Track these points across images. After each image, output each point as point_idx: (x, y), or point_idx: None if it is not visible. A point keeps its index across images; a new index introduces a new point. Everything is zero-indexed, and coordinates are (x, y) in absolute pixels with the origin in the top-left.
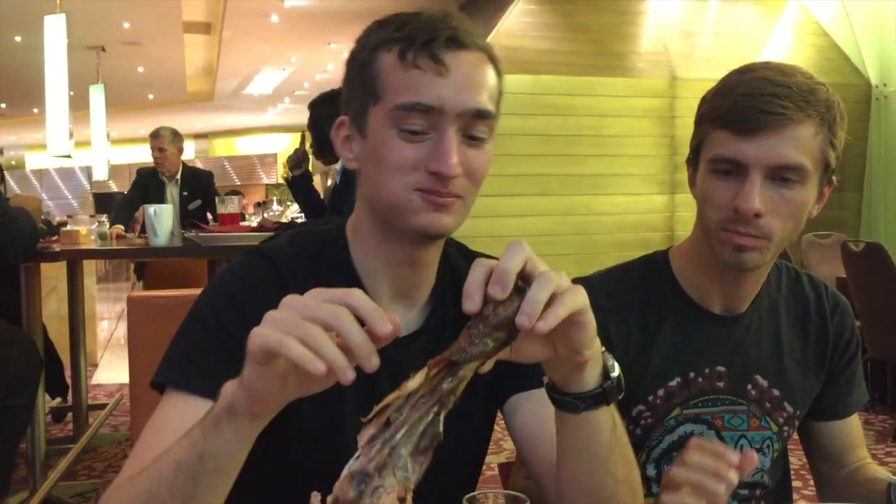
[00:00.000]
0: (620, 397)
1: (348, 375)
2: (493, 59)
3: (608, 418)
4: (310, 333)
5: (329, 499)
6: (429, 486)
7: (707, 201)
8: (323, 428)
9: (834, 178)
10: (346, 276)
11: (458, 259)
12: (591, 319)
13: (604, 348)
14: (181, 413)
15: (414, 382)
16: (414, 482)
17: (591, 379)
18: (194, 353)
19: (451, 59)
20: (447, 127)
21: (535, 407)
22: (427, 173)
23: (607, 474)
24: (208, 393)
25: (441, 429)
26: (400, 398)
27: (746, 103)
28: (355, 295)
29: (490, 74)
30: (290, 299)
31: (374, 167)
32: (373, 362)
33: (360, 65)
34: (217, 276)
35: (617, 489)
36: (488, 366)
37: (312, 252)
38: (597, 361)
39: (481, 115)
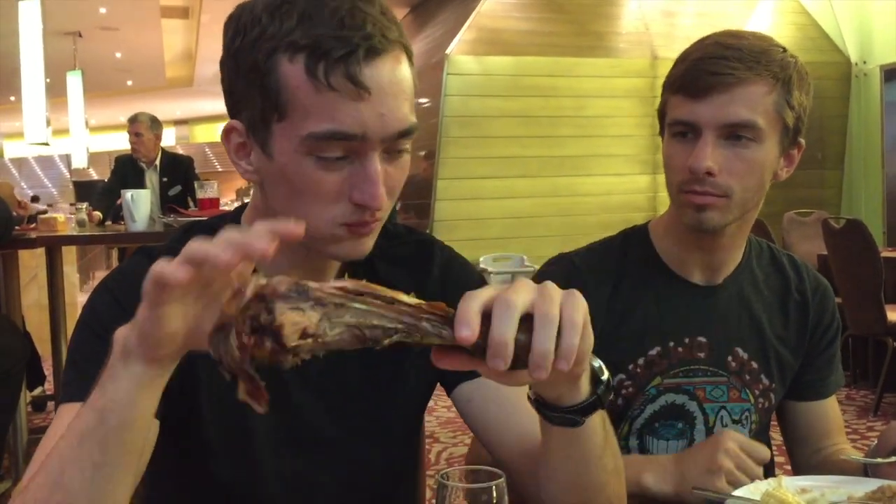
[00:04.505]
0: (611, 397)
1: (270, 248)
2: (406, 48)
3: (600, 419)
4: (206, 248)
5: (264, 280)
6: (363, 454)
7: (667, 164)
8: (229, 443)
9: (801, 139)
10: None
11: None
12: (590, 328)
13: None
14: None
15: (410, 299)
16: (323, 339)
17: (584, 388)
18: (90, 366)
19: (371, 76)
20: (371, 153)
21: (489, 395)
22: (351, 204)
23: (601, 470)
24: None
25: (386, 343)
26: (387, 295)
27: (697, 67)
28: (238, 232)
29: (409, 73)
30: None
31: (288, 192)
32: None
33: (254, 68)
34: (104, 281)
35: (608, 480)
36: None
37: None
38: (588, 368)
39: (406, 134)
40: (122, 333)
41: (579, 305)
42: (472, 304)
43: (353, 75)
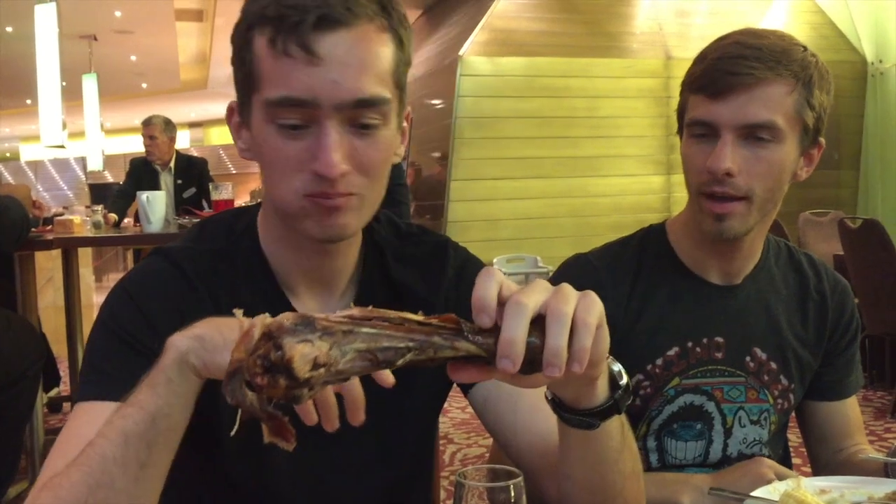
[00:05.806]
0: (629, 402)
1: (333, 425)
2: (389, 28)
3: (618, 423)
4: (325, 395)
5: (269, 320)
6: (377, 454)
7: (687, 166)
8: (242, 439)
9: (821, 139)
10: (259, 269)
11: (384, 235)
12: (607, 331)
13: (609, 355)
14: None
15: (419, 318)
16: (336, 368)
17: (602, 391)
18: (109, 367)
19: (324, 44)
20: (324, 121)
21: (504, 396)
22: (312, 175)
23: (617, 473)
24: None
25: (400, 364)
26: (398, 317)
27: (717, 67)
28: None
29: (380, 50)
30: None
31: (261, 164)
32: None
33: (239, 45)
34: (122, 283)
35: (625, 484)
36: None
37: (223, 244)
38: (605, 371)
39: (365, 105)
40: (181, 343)
41: (593, 307)
42: (488, 291)
43: (304, 41)
